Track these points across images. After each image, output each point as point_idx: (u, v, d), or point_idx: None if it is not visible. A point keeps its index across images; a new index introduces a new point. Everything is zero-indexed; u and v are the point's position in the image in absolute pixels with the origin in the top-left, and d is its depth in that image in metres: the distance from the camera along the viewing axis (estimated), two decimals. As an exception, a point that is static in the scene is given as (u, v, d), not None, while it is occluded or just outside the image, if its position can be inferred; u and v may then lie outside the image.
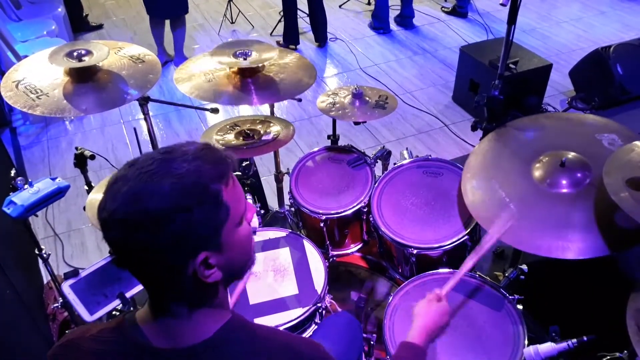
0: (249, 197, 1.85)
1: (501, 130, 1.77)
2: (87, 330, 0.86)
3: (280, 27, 4.44)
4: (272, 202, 2.65)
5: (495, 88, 1.88)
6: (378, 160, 2.07)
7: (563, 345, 1.28)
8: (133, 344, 0.81)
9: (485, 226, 1.50)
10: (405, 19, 4.72)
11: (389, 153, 2.10)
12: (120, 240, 0.73)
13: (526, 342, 1.38)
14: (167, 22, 4.02)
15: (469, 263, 1.33)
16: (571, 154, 1.55)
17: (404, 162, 1.97)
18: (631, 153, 1.34)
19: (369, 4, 5.18)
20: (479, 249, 1.32)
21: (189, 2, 3.93)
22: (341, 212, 1.87)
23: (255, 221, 1.44)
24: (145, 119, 2.00)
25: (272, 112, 2.39)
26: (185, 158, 0.74)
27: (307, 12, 4.42)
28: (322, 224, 1.87)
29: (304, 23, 4.61)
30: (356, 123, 2.14)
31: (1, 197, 1.61)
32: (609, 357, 1.46)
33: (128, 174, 0.74)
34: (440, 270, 1.60)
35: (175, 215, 0.71)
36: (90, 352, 0.82)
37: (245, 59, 1.90)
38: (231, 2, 4.76)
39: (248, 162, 2.07)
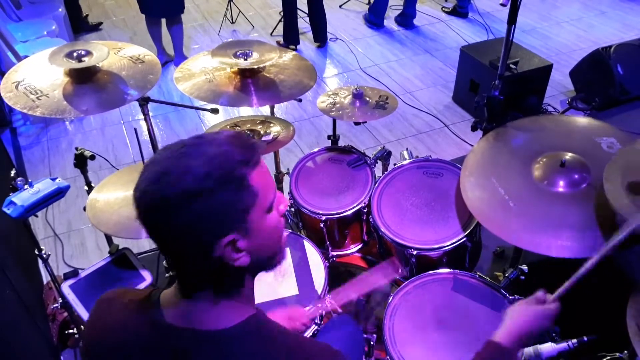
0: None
1: (500, 130, 1.77)
2: (125, 293, 0.91)
3: (281, 27, 4.44)
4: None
5: (496, 88, 1.87)
6: (378, 161, 2.07)
7: (563, 345, 1.28)
8: (150, 321, 0.84)
9: (484, 224, 1.50)
10: (407, 18, 4.72)
11: (389, 153, 2.10)
12: (151, 218, 0.77)
13: (526, 342, 1.37)
14: (164, 21, 4.01)
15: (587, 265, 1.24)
16: (571, 155, 1.55)
17: (404, 162, 1.97)
18: (631, 154, 1.34)
19: (369, 4, 5.18)
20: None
21: (189, 2, 3.92)
22: (341, 213, 1.87)
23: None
24: (145, 119, 2.00)
25: (272, 112, 2.39)
26: (214, 142, 0.79)
27: (307, 12, 4.42)
28: (322, 225, 1.87)
29: (304, 23, 4.61)
30: (356, 123, 2.14)
31: (1, 198, 1.61)
32: (609, 357, 1.46)
33: (160, 156, 0.79)
34: (440, 271, 1.60)
35: (202, 194, 0.74)
36: (116, 319, 0.87)
37: (245, 60, 1.90)
38: (231, 2, 4.76)
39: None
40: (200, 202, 0.74)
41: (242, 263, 0.80)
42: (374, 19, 4.63)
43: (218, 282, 0.82)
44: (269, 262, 0.89)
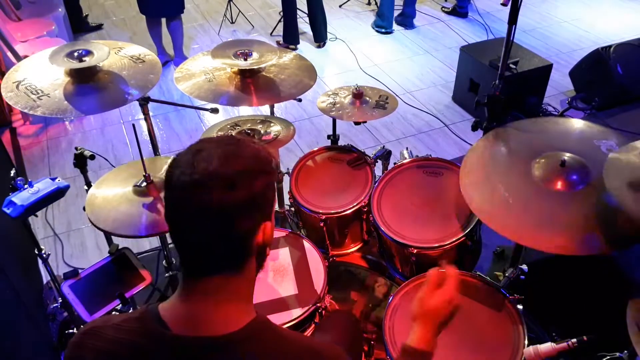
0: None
1: (500, 129, 1.78)
2: (110, 319, 0.87)
3: (281, 27, 4.44)
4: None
5: (496, 88, 1.88)
6: (378, 160, 2.07)
7: (563, 345, 1.28)
8: (152, 334, 0.81)
9: (484, 220, 1.51)
10: (406, 18, 4.71)
11: (389, 153, 2.10)
12: (209, 198, 0.77)
13: (526, 342, 1.37)
14: (164, 21, 4.01)
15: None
16: (571, 155, 1.56)
17: (404, 161, 1.97)
18: (630, 155, 1.34)
19: (369, 4, 5.18)
20: None
21: (189, 2, 3.92)
22: (341, 212, 1.87)
23: None
24: (145, 119, 2.00)
25: (272, 112, 2.39)
26: (249, 140, 0.88)
27: (307, 12, 4.42)
28: (322, 224, 1.87)
29: (304, 23, 4.61)
30: (356, 123, 2.14)
31: (1, 197, 1.61)
32: (609, 357, 1.46)
33: (209, 146, 0.83)
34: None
35: (260, 176, 0.82)
36: (111, 340, 0.83)
37: (245, 60, 1.90)
38: (231, 2, 4.76)
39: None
40: (259, 181, 0.81)
41: (265, 241, 0.87)
42: (381, 22, 4.60)
43: (241, 267, 0.85)
44: (264, 257, 0.91)
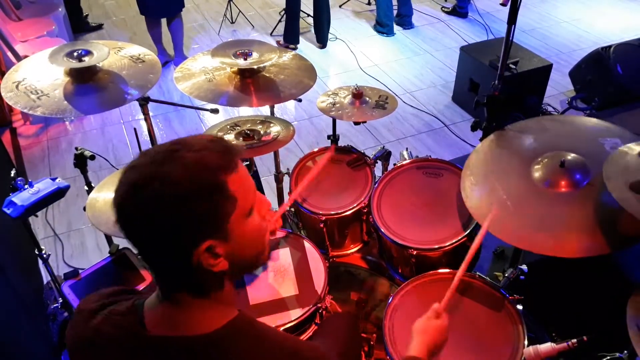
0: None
1: (503, 131, 1.78)
2: (102, 305, 0.88)
3: (280, 27, 4.44)
4: (272, 202, 2.65)
5: (496, 88, 1.87)
6: (378, 161, 2.07)
7: (563, 345, 1.28)
8: (131, 331, 0.82)
9: (482, 223, 1.51)
10: (404, 18, 4.71)
11: (389, 153, 2.10)
12: (129, 225, 0.77)
13: (526, 342, 1.37)
14: (164, 21, 4.01)
15: (460, 272, 1.33)
16: (571, 155, 1.55)
17: (404, 162, 1.97)
18: (629, 155, 1.34)
19: (369, 4, 5.18)
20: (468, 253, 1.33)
21: (189, 2, 3.92)
22: (341, 213, 1.87)
23: (279, 221, 1.46)
24: (145, 119, 2.00)
25: (272, 112, 2.39)
26: (191, 148, 0.77)
27: (308, 13, 4.42)
28: (321, 225, 1.87)
29: (304, 23, 4.61)
30: (356, 123, 2.14)
31: (1, 198, 1.61)
32: (609, 357, 1.46)
33: (138, 163, 0.78)
34: (440, 271, 1.60)
35: (179, 203, 0.73)
36: (97, 330, 0.85)
37: (245, 60, 1.90)
38: (231, 2, 4.76)
39: (248, 162, 2.07)
40: (178, 210, 0.73)
41: (221, 268, 0.79)
42: (382, 29, 4.60)
43: (197, 286, 0.81)
44: (251, 264, 0.88)
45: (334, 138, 2.26)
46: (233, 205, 0.78)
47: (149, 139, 2.12)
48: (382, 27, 4.58)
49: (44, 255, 1.80)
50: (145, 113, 1.98)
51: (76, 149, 1.84)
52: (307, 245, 1.75)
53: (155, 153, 0.78)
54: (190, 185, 0.74)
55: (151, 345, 0.81)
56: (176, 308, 0.82)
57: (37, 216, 1.76)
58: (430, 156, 1.99)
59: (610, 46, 3.40)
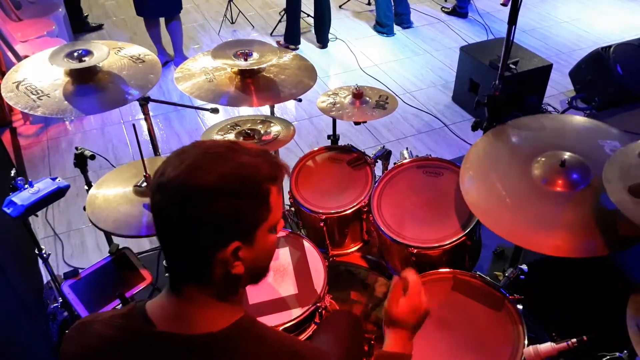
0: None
1: (503, 127, 1.78)
2: (99, 315, 0.89)
3: (281, 27, 4.44)
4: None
5: (496, 88, 1.88)
6: (378, 160, 2.07)
7: (563, 345, 1.28)
8: (137, 331, 0.83)
9: (481, 219, 1.51)
10: (402, 17, 4.71)
11: (389, 153, 2.10)
12: (169, 205, 0.77)
13: (526, 342, 1.37)
14: (163, 21, 4.01)
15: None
16: (571, 155, 1.55)
17: (404, 161, 1.97)
18: (629, 158, 1.34)
19: (369, 4, 5.18)
20: None
21: (189, 2, 3.91)
22: (341, 212, 1.87)
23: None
24: (145, 119, 2.01)
25: (272, 112, 2.39)
26: (249, 152, 0.81)
27: (308, 13, 4.42)
28: (322, 224, 1.87)
29: (304, 23, 4.61)
30: (356, 123, 2.14)
31: (1, 197, 1.61)
32: (609, 357, 1.46)
33: (193, 150, 0.79)
34: (440, 270, 1.60)
35: (225, 197, 0.76)
36: (99, 335, 0.84)
37: (245, 60, 1.91)
38: (231, 2, 4.76)
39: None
40: (223, 203, 0.76)
41: (238, 271, 0.81)
42: (382, 29, 4.59)
43: (212, 286, 0.82)
44: (259, 275, 0.90)
45: (334, 138, 2.26)
46: (267, 215, 0.82)
47: (149, 138, 2.12)
48: (382, 27, 4.58)
49: (44, 255, 1.80)
50: (146, 113, 1.98)
51: (76, 148, 1.84)
52: (307, 244, 1.75)
53: (213, 146, 0.80)
54: (241, 184, 0.77)
55: (157, 341, 0.81)
56: (185, 304, 0.82)
57: (37, 216, 1.76)
58: (430, 155, 1.99)
59: (610, 46, 3.40)
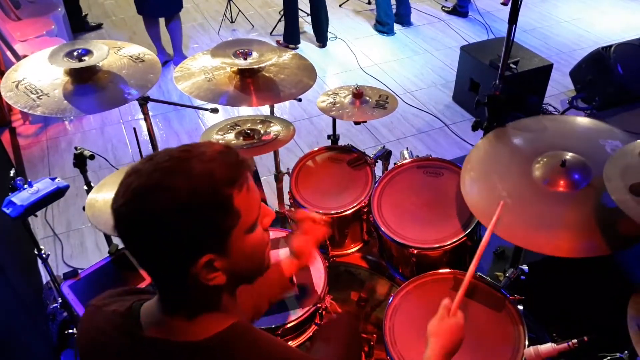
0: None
1: (504, 128, 1.77)
2: (110, 302, 0.89)
3: (280, 27, 4.44)
4: (272, 202, 2.65)
5: (496, 88, 1.87)
6: (378, 160, 2.07)
7: (563, 345, 1.28)
8: (129, 332, 0.82)
9: (482, 221, 1.50)
10: (403, 17, 4.71)
11: (389, 153, 2.10)
12: (127, 233, 0.74)
13: (526, 342, 1.37)
14: (162, 21, 4.00)
15: (472, 269, 1.29)
16: (572, 155, 1.55)
17: (405, 161, 1.97)
18: (630, 157, 1.33)
19: (369, 3, 5.18)
20: (478, 249, 1.32)
21: (189, 2, 3.91)
22: (341, 212, 1.87)
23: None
24: (145, 118, 2.00)
25: (272, 112, 2.38)
26: (201, 158, 0.74)
27: (307, 12, 4.41)
28: (322, 224, 1.86)
29: (304, 23, 4.60)
30: (356, 123, 2.14)
31: (1, 197, 1.60)
32: (609, 357, 1.46)
33: (143, 168, 0.74)
34: (441, 271, 1.60)
35: (182, 215, 0.71)
36: (99, 329, 0.86)
37: (245, 59, 1.90)
38: (231, 2, 4.76)
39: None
40: (179, 222, 0.71)
41: (218, 282, 0.77)
42: (382, 28, 4.59)
43: (194, 299, 0.80)
44: (249, 277, 0.87)
45: (334, 138, 2.26)
46: (236, 221, 0.76)
47: (148, 138, 2.11)
48: (383, 26, 4.57)
49: (44, 255, 1.79)
50: (145, 113, 1.97)
51: (76, 148, 1.84)
52: (307, 245, 1.75)
53: (162, 159, 0.74)
54: (194, 198, 0.71)
55: (145, 346, 0.81)
56: (171, 314, 0.81)
57: (36, 216, 1.76)
58: (430, 155, 1.99)
59: (610, 46, 3.40)
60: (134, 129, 1.57)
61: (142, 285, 1.70)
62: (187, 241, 0.72)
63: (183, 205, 0.71)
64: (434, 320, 1.11)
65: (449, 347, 1.06)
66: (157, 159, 0.75)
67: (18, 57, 3.26)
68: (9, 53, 3.29)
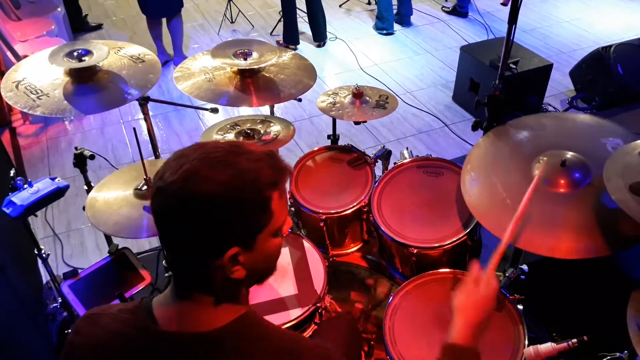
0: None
1: (504, 127, 1.77)
2: (109, 307, 0.90)
3: (280, 27, 4.44)
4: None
5: (496, 88, 1.87)
6: (378, 160, 2.07)
7: (563, 345, 1.28)
8: (142, 327, 0.83)
9: (481, 221, 1.50)
10: (403, 17, 4.71)
11: (389, 153, 2.10)
12: (166, 211, 0.76)
13: (526, 342, 1.37)
14: (164, 21, 4.01)
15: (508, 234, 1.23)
16: (572, 154, 1.55)
17: (404, 161, 1.97)
18: (630, 156, 1.33)
19: (369, 3, 5.18)
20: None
21: (189, 2, 3.91)
22: (341, 212, 1.87)
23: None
24: (145, 119, 2.00)
25: (272, 112, 2.39)
26: (250, 156, 0.79)
27: (306, 12, 4.41)
28: (322, 224, 1.86)
29: (303, 23, 4.60)
30: (356, 123, 2.14)
31: (1, 197, 1.61)
32: (609, 357, 1.46)
33: (194, 154, 0.77)
34: (441, 270, 1.60)
35: (224, 205, 0.74)
36: (106, 328, 0.85)
37: (245, 59, 1.90)
38: (231, 2, 4.76)
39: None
40: (219, 211, 0.74)
41: (238, 276, 0.81)
42: (382, 25, 4.59)
43: (213, 287, 0.82)
44: (262, 277, 0.90)
45: (334, 138, 2.26)
46: (268, 222, 0.80)
47: (148, 138, 2.11)
48: (382, 22, 4.56)
49: (44, 255, 1.79)
50: (145, 113, 1.97)
51: (76, 148, 1.84)
52: (307, 244, 1.75)
53: (212, 150, 0.78)
54: (241, 192, 0.75)
55: (161, 340, 0.82)
56: (189, 305, 0.83)
57: (36, 216, 1.76)
58: (430, 155, 1.99)
59: (610, 46, 3.40)
60: (134, 129, 1.57)
61: (142, 285, 1.70)
62: (224, 230, 0.76)
63: (228, 197, 0.74)
64: (459, 294, 1.06)
65: (476, 321, 1.01)
66: (207, 147, 0.79)
67: (18, 57, 3.26)
68: (9, 53, 3.29)
